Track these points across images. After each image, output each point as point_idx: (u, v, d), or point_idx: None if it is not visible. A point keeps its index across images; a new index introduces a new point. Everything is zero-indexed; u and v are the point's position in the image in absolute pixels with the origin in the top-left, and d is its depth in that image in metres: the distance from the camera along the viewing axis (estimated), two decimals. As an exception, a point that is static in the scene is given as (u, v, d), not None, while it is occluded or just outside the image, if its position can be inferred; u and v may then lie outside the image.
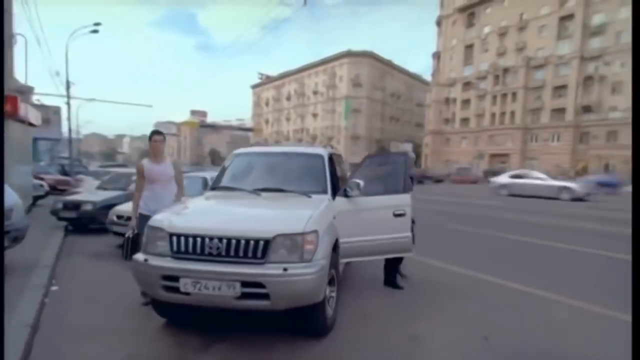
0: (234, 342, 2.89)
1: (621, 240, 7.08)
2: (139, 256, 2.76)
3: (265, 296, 2.49)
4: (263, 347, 2.84)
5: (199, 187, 4.53)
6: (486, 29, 52.01)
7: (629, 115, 38.40)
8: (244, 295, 2.51)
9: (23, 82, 18.78)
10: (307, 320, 2.89)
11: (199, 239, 2.62)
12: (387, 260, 4.28)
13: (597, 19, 41.74)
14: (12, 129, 7.64)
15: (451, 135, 56.20)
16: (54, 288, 3.95)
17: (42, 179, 12.38)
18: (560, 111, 43.97)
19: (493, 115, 49.75)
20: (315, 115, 78.80)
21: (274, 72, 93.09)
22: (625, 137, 38.63)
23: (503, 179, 20.82)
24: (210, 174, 4.75)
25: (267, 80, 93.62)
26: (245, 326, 3.15)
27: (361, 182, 3.71)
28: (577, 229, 9.26)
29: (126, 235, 3.57)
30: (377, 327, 3.29)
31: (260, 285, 2.48)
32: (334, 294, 3.18)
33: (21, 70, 34.02)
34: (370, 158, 4.16)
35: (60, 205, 7.18)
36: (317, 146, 4.79)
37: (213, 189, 3.92)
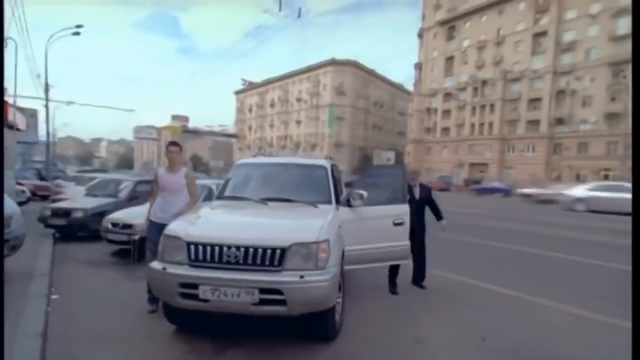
0: (247, 347, 2.97)
1: None
2: (156, 264, 2.81)
3: (282, 302, 2.60)
4: (275, 351, 2.94)
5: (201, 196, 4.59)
6: (465, 43, 53.88)
7: (598, 127, 40.61)
8: (262, 302, 2.61)
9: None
10: (318, 325, 3.01)
11: (217, 248, 2.71)
12: (391, 268, 4.51)
13: (568, 36, 44.02)
14: (-3, 134, 7.43)
15: (432, 144, 57.56)
16: (54, 297, 3.91)
17: (21, 184, 11.99)
18: (535, 123, 45.87)
19: (472, 125, 51.34)
20: (299, 122, 79.07)
21: (257, 78, 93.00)
22: (595, 148, 40.71)
23: (579, 191, 17.75)
24: (216, 182, 4.80)
25: (250, 86, 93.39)
26: (256, 332, 3.23)
27: (364, 193, 3.90)
28: None
29: (133, 239, 3.62)
30: (381, 330, 3.45)
31: (278, 292, 2.59)
32: (340, 300, 3.32)
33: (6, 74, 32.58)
34: (371, 169, 4.52)
35: (48, 212, 7.01)
36: (319, 157, 4.96)
37: (219, 197, 4.00)
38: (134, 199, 7.73)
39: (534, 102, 46.09)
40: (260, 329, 3.27)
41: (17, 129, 8.57)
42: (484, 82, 50.18)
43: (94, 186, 8.80)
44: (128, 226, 5.72)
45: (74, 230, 6.98)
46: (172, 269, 2.72)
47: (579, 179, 40.15)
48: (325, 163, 4.38)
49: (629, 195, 14.02)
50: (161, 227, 3.48)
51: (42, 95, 21.41)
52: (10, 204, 4.14)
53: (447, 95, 55.84)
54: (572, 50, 43.55)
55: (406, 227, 4.11)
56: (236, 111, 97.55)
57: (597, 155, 39.96)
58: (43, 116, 22.19)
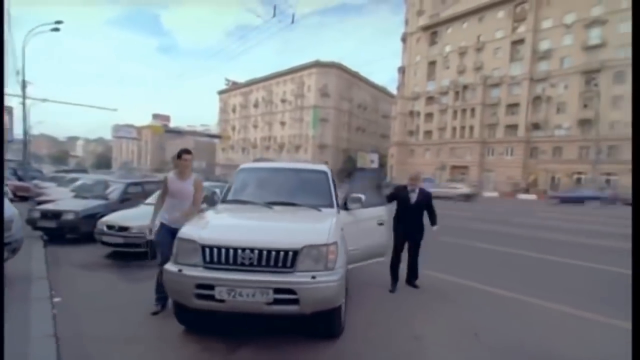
0: (257, 346, 3.10)
1: None
2: (172, 267, 2.90)
3: (295, 302, 2.75)
4: (283, 349, 3.08)
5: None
6: (447, 48, 55.25)
7: (571, 132, 42.36)
8: (276, 301, 2.74)
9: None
10: (325, 323, 3.17)
11: (231, 250, 2.82)
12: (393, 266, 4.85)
13: (544, 45, 45.84)
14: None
15: (415, 146, 58.65)
16: (56, 299, 3.90)
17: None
18: (513, 127, 47.48)
19: (454, 129, 52.64)
20: (283, 123, 78.91)
21: (241, 78, 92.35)
22: (568, 152, 42.50)
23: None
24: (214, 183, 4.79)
25: (234, 86, 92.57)
26: (264, 331, 3.35)
27: (363, 196, 4.12)
28: None
29: (148, 239, 3.73)
30: (380, 329, 3.63)
31: (291, 291, 2.73)
32: (343, 299, 3.49)
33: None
34: (357, 172, 4.86)
35: (37, 214, 6.88)
36: (319, 163, 5.14)
37: (224, 201, 4.09)
38: (125, 200, 7.66)
39: (512, 107, 47.70)
40: (267, 329, 3.39)
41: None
42: (465, 87, 51.56)
43: (82, 188, 8.65)
44: (124, 229, 5.71)
45: (65, 232, 6.87)
46: (188, 271, 2.82)
47: (553, 181, 41.89)
48: (326, 168, 4.55)
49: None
50: (169, 229, 3.67)
51: (19, 92, 20.66)
52: (9, 207, 4.10)
53: (430, 99, 57.05)
54: (548, 58, 45.37)
55: (387, 227, 4.52)
56: (219, 111, 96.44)
57: (571, 160, 41.75)
58: (17, 113, 21.41)
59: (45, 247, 6.40)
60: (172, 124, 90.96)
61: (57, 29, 21.13)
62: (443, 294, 4.77)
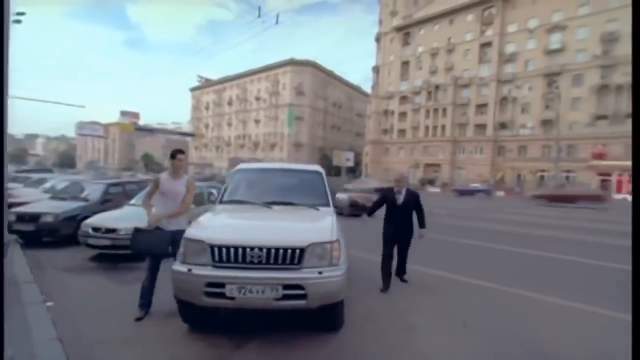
0: (262, 341, 3.20)
1: None
2: (180, 267, 2.95)
3: (303, 296, 2.88)
4: (288, 343, 3.20)
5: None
6: (420, 49, 56.72)
7: (535, 132, 44.66)
8: (285, 297, 2.86)
9: None
10: (328, 316, 3.32)
11: (240, 249, 2.91)
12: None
13: (509, 48, 48.09)
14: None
15: (390, 145, 59.84)
16: (49, 304, 3.82)
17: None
18: (482, 127, 49.51)
19: (427, 128, 54.18)
20: (257, 121, 78.17)
21: (214, 75, 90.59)
22: (532, 151, 44.86)
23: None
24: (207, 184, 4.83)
25: (207, 83, 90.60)
26: (268, 326, 3.45)
27: (346, 196, 4.34)
28: None
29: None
30: (377, 321, 3.83)
31: (300, 287, 2.87)
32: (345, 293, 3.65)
33: None
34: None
35: (12, 217, 6.56)
36: (313, 165, 5.27)
37: (222, 202, 4.13)
38: (106, 202, 7.45)
39: (481, 107, 49.72)
40: (271, 325, 3.49)
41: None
42: (437, 87, 53.17)
43: (57, 189, 8.31)
44: (111, 230, 5.59)
45: (42, 235, 6.60)
46: (198, 270, 2.88)
47: (519, 179, 44.09)
48: (320, 169, 4.69)
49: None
50: (159, 230, 3.63)
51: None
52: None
53: (403, 99, 58.37)
54: (513, 61, 47.63)
55: None
56: (191, 109, 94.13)
57: (535, 158, 44.11)
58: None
59: (23, 250, 6.13)
60: (142, 122, 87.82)
61: (18, 21, 19.91)
62: (429, 286, 5.05)
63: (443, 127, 52.35)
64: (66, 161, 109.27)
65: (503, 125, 47.84)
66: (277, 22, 13.54)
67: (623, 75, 38.85)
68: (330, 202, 4.21)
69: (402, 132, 58.45)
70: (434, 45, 54.69)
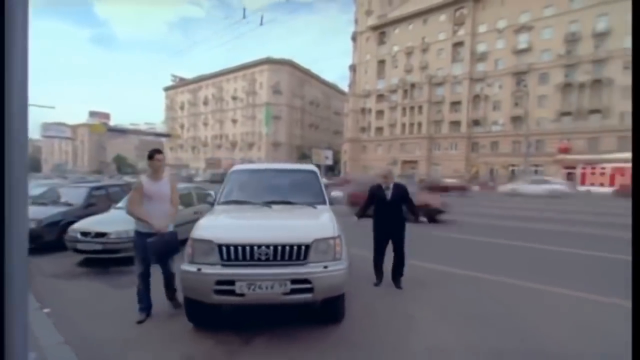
0: (270, 335, 3.30)
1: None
2: (189, 267, 3.01)
3: (310, 290, 3.01)
4: (294, 335, 3.32)
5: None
6: (395, 48, 57.72)
7: (506, 128, 46.45)
8: (292, 291, 2.98)
9: None
10: (331, 309, 3.46)
11: (247, 248, 3.01)
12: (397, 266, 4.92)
13: (481, 48, 49.79)
14: None
15: (367, 143, 60.62)
16: (46, 310, 3.76)
17: None
18: (456, 124, 51.04)
19: (403, 125, 55.28)
20: (234, 121, 77.19)
21: (188, 74, 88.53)
22: (503, 147, 46.70)
23: None
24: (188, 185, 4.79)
25: (181, 82, 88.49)
26: (273, 321, 3.55)
27: (340, 194, 4.50)
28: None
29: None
30: (376, 311, 4.00)
31: (307, 281, 2.99)
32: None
33: None
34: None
35: (-9, 225, 6.29)
36: (307, 164, 5.39)
37: (222, 202, 4.18)
38: (90, 206, 7.26)
39: (455, 104, 51.23)
40: (276, 320, 3.59)
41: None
42: (413, 85, 54.33)
43: (36, 194, 8.01)
44: (102, 234, 5.49)
45: (24, 242, 6.36)
46: (207, 269, 2.96)
47: (492, 173, 45.81)
48: (314, 168, 4.82)
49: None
50: (149, 236, 3.51)
51: None
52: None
53: (380, 97, 59.24)
54: (484, 60, 49.35)
55: None
56: (166, 109, 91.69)
57: (506, 153, 45.96)
58: None
59: (4, 259, 5.91)
60: (113, 123, 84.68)
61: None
62: (419, 276, 5.28)
63: (419, 124, 53.57)
64: (31, 164, 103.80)
65: (476, 122, 49.51)
66: (261, 24, 13.50)
67: (585, 74, 41.19)
68: (327, 200, 4.35)
69: (379, 129, 59.34)
70: (408, 45, 55.79)
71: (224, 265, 2.99)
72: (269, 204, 3.98)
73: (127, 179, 25.35)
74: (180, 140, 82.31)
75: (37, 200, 7.49)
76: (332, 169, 59.65)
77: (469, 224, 11.15)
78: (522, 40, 46.10)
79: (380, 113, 59.11)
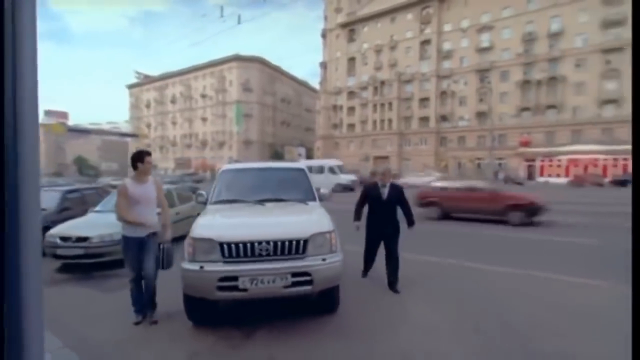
0: (270, 328, 3.43)
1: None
2: (192, 265, 3.07)
3: (309, 282, 3.16)
4: (294, 326, 3.48)
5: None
6: (365, 45, 58.54)
7: (472, 123, 48.43)
8: (293, 284, 3.12)
9: None
10: (328, 299, 3.64)
11: (248, 244, 3.11)
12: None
13: (446, 46, 51.55)
14: None
15: (340, 139, 61.21)
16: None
17: None
18: (425, 119, 52.63)
19: (375, 122, 56.29)
20: (204, 119, 75.37)
21: (153, 72, 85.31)
22: (469, 141, 48.73)
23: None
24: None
25: (146, 80, 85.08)
26: (270, 315, 3.67)
27: (328, 191, 4.69)
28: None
29: (163, 246, 3.57)
30: (368, 299, 4.22)
31: (306, 274, 3.14)
32: None
33: None
34: None
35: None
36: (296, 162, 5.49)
37: (214, 202, 4.22)
38: (64, 210, 7.00)
39: (424, 101, 52.78)
40: (275, 313, 3.71)
41: None
42: (383, 83, 55.39)
43: None
44: (83, 239, 5.35)
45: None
46: (210, 267, 3.03)
47: (460, 167, 47.71)
48: (303, 165, 4.95)
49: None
50: (138, 241, 3.51)
51: None
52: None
53: (351, 94, 59.93)
54: (450, 57, 51.16)
55: None
56: (130, 107, 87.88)
57: (472, 147, 48.00)
58: None
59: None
60: (71, 122, 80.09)
61: None
62: (409, 266, 5.55)
63: (390, 120, 54.75)
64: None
65: (444, 118, 51.30)
66: (239, 22, 13.30)
67: (541, 72, 43.78)
68: (316, 196, 4.50)
69: (351, 126, 60.05)
70: (377, 42, 56.76)
71: (225, 262, 3.07)
72: (261, 202, 4.08)
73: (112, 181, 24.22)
74: (147, 140, 79.30)
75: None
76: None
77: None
78: (484, 40, 48.19)
79: (351, 110, 59.81)
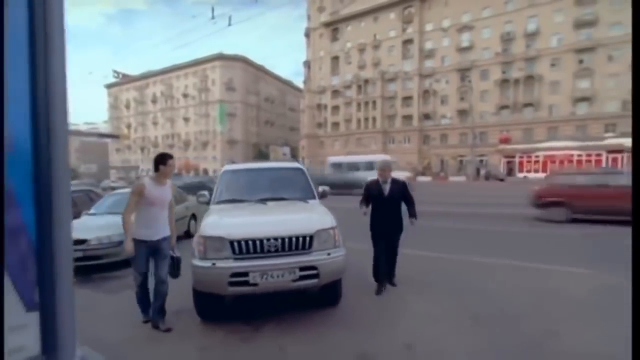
0: (278, 321, 3.58)
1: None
2: (204, 262, 3.19)
3: (316, 276, 3.34)
4: (300, 319, 3.64)
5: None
6: (348, 44, 58.98)
7: (454, 121, 49.52)
8: (301, 278, 3.29)
9: None
10: (331, 292, 3.81)
11: (258, 242, 3.26)
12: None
13: (428, 45, 52.54)
14: None
15: (324, 138, 61.51)
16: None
17: None
18: (408, 118, 53.52)
19: (359, 120, 56.84)
20: (186, 119, 74.25)
21: (133, 71, 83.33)
22: (452, 139, 49.86)
23: None
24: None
25: (125, 79, 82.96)
26: (277, 309, 3.82)
27: (327, 188, 4.87)
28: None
29: (175, 256, 3.57)
30: (366, 291, 4.41)
31: (313, 267, 3.32)
32: None
33: None
34: None
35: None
36: (294, 162, 5.64)
37: (217, 202, 4.32)
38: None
39: (407, 99, 53.67)
40: (281, 307, 3.86)
41: None
42: (366, 81, 55.99)
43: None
44: (81, 241, 5.34)
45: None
46: (222, 264, 3.17)
47: (443, 164, 48.79)
48: (301, 165, 5.10)
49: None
50: (149, 244, 3.42)
51: None
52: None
53: (335, 92, 60.30)
54: (432, 57, 52.18)
55: None
56: (109, 107, 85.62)
57: (454, 145, 49.15)
58: None
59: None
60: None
61: None
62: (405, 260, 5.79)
63: (374, 119, 55.39)
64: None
65: (427, 116, 52.29)
66: (229, 24, 13.28)
67: (519, 71, 45.21)
68: (316, 194, 4.66)
69: (335, 125, 60.43)
70: (361, 41, 57.28)
71: (236, 259, 3.21)
72: (263, 201, 4.21)
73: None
74: (128, 141, 77.51)
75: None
76: None
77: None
78: (465, 39, 49.36)
79: (335, 108, 60.18)
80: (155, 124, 78.48)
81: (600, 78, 40.76)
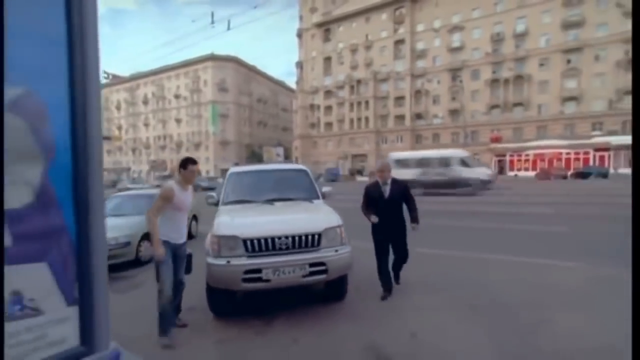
0: (288, 315, 3.75)
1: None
2: (219, 260, 3.34)
3: (325, 272, 3.51)
4: (309, 313, 3.80)
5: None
6: (340, 45, 59.25)
7: (445, 121, 50.07)
8: (311, 273, 3.46)
9: None
10: (337, 288, 3.98)
11: (269, 240, 3.42)
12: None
13: (420, 45, 53.07)
14: None
15: (318, 138, 61.67)
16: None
17: None
18: (401, 117, 53.99)
19: (352, 120, 57.14)
20: (178, 120, 73.78)
21: (123, 72, 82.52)
22: (444, 138, 50.43)
23: None
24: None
25: (115, 80, 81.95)
26: (286, 305, 3.97)
27: (330, 188, 5.05)
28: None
29: (188, 253, 3.57)
30: (370, 287, 4.58)
31: (322, 264, 3.49)
32: None
33: None
34: None
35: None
36: (296, 164, 5.80)
37: (225, 203, 4.46)
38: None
39: (399, 99, 54.15)
40: (290, 303, 4.02)
41: None
42: (359, 81, 56.32)
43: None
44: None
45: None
46: (236, 261, 3.32)
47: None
48: (305, 167, 5.27)
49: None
50: (174, 247, 3.39)
51: None
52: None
53: (328, 93, 60.52)
54: (423, 57, 52.73)
55: None
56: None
57: (446, 144, 49.63)
58: None
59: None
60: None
61: None
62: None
63: (366, 119, 55.75)
64: None
65: (419, 116, 52.81)
66: (228, 28, 13.34)
67: (508, 70, 45.95)
68: (320, 195, 4.83)
69: (328, 125, 60.65)
70: (353, 42, 57.61)
71: (249, 257, 3.36)
72: (270, 201, 4.36)
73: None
74: (119, 143, 76.73)
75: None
76: None
77: None
78: (456, 39, 49.99)
79: (328, 109, 60.39)
80: (146, 125, 77.84)
81: (587, 78, 41.70)
